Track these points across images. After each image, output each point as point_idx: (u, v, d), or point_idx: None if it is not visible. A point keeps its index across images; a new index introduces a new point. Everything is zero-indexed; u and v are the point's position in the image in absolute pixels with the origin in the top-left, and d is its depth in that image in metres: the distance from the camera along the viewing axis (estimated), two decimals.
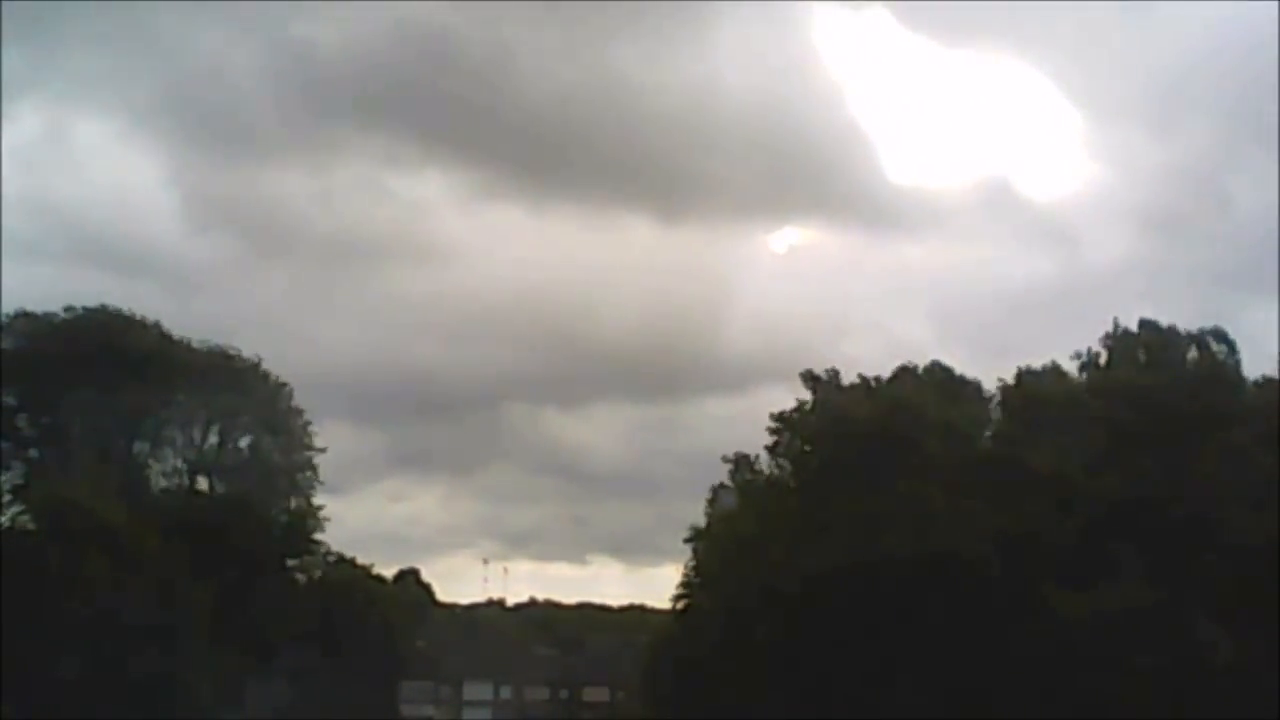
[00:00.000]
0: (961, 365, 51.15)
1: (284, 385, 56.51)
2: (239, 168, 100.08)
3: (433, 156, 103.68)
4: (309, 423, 56.63)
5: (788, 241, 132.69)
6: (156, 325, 54.82)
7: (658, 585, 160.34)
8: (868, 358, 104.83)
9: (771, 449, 50.68)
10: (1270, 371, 46.40)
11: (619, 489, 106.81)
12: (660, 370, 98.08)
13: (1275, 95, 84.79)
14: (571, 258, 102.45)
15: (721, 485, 51.74)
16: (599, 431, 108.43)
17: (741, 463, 51.36)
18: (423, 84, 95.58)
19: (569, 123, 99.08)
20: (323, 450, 56.90)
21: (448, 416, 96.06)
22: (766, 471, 51.38)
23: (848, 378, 50.94)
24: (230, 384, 53.89)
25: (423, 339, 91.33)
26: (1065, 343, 49.30)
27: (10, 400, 51.93)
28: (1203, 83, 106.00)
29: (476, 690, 73.39)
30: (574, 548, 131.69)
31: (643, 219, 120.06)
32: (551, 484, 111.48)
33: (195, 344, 55.51)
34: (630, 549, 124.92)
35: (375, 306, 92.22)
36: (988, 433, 48.80)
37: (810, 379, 50.26)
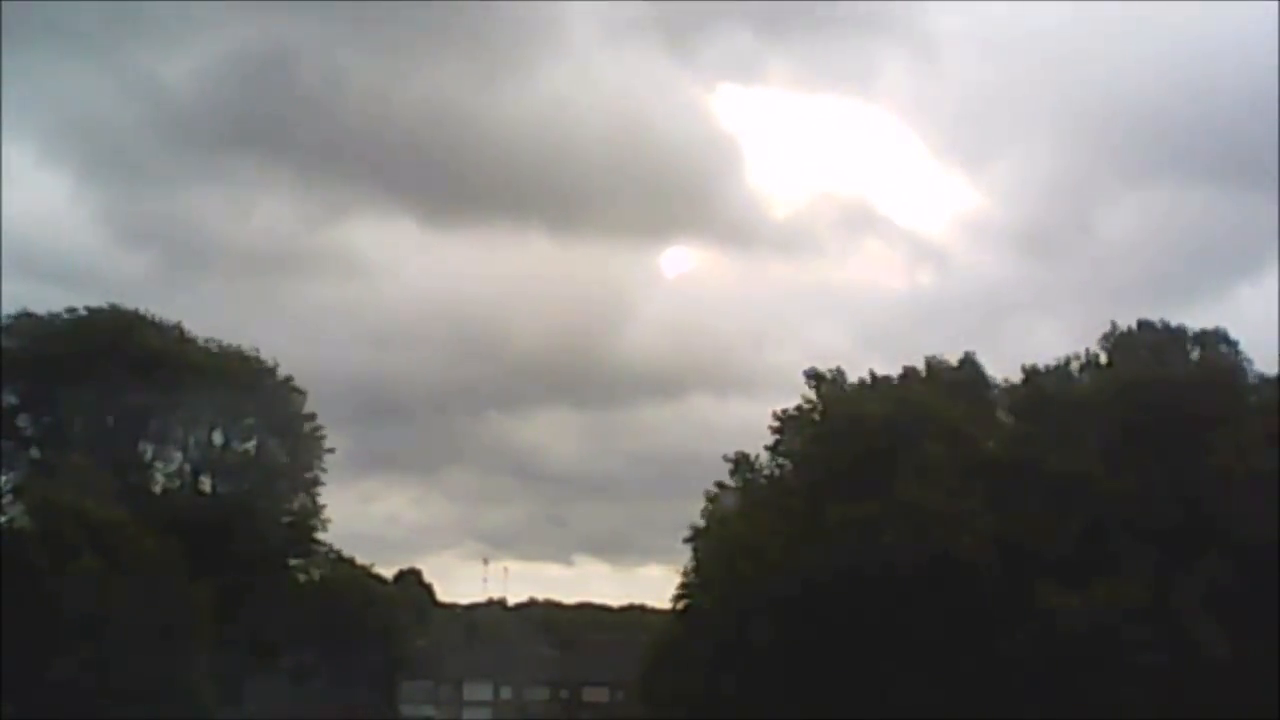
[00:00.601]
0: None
1: (295, 388, 56.56)
2: (141, 190, 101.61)
3: (310, 176, 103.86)
4: (319, 426, 56.72)
5: (677, 257, 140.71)
6: (177, 327, 55.10)
7: (644, 585, 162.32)
8: (787, 364, 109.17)
9: (773, 448, 50.74)
10: (1271, 372, 46.50)
11: (586, 490, 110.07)
12: (585, 377, 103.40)
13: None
14: (476, 272, 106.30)
15: (721, 485, 51.67)
16: (546, 435, 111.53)
17: (742, 462, 51.34)
18: (299, 108, 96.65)
19: (448, 142, 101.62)
20: (331, 451, 57.02)
21: (399, 421, 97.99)
22: (767, 471, 51.41)
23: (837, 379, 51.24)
24: (241, 385, 53.88)
25: (354, 348, 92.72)
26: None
27: (11, 400, 51.95)
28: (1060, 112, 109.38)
29: (476, 690, 73.39)
30: (558, 548, 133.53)
31: (537, 235, 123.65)
32: (518, 485, 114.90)
33: (210, 345, 55.68)
34: (613, 549, 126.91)
35: (299, 317, 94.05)
36: (992, 433, 48.73)
37: (814, 378, 50.29)
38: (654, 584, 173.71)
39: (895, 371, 51.07)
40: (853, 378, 50.98)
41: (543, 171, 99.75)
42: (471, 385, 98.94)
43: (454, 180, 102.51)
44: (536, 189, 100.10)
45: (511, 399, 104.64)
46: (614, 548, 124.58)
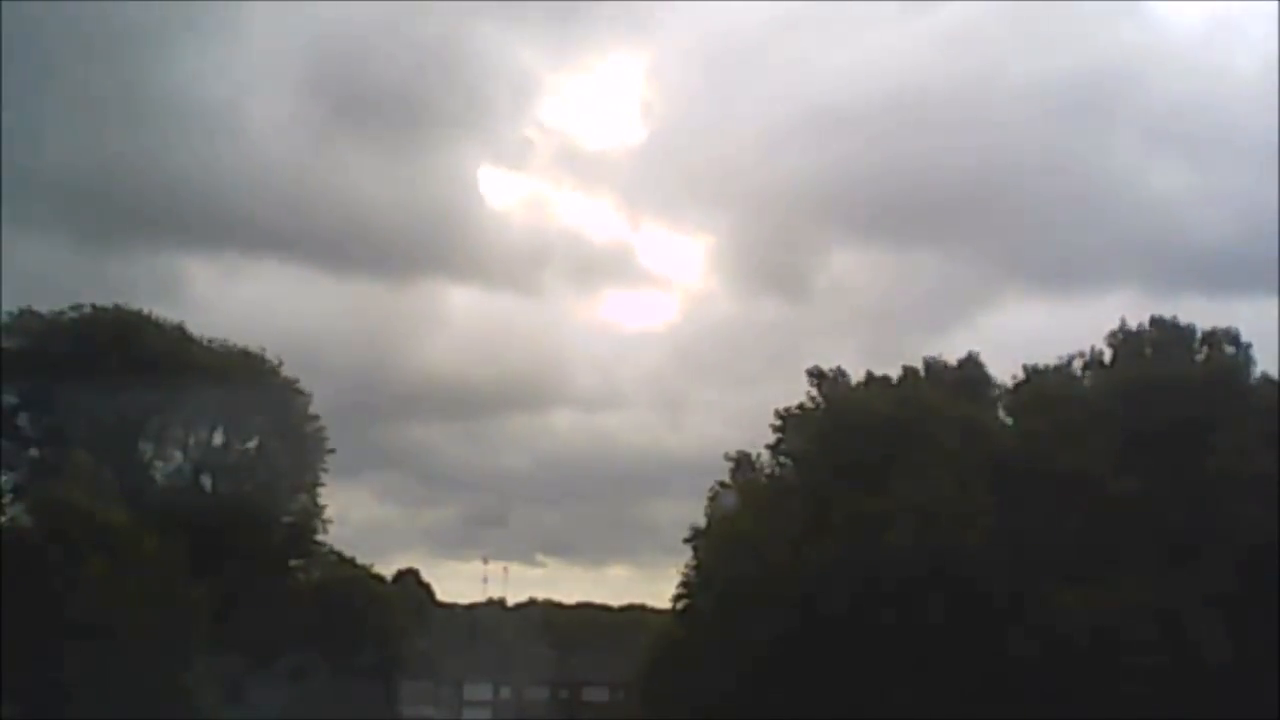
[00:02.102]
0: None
1: (298, 389, 56.57)
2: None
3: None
4: (321, 426, 56.70)
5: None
6: (179, 327, 55.13)
7: (609, 584, 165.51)
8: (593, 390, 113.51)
9: (774, 447, 50.78)
10: (1271, 372, 46.56)
11: (525, 494, 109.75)
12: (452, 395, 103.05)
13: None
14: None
15: (722, 484, 51.72)
16: (455, 442, 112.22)
17: (743, 461, 51.38)
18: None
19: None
20: (332, 452, 57.01)
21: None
22: (768, 470, 51.45)
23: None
24: (243, 385, 53.84)
25: None
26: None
27: (11, 399, 51.89)
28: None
29: (476, 690, 73.41)
30: (524, 549, 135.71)
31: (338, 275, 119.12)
32: (450, 490, 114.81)
33: (214, 345, 55.71)
34: (575, 550, 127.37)
35: None
36: (994, 432, 48.76)
37: (816, 376, 50.34)
38: (613, 583, 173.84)
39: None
40: (856, 377, 51.06)
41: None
42: (363, 400, 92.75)
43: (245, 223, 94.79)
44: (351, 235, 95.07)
45: (399, 414, 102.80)
46: (576, 548, 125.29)
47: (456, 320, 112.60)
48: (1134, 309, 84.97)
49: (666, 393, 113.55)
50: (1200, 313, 49.54)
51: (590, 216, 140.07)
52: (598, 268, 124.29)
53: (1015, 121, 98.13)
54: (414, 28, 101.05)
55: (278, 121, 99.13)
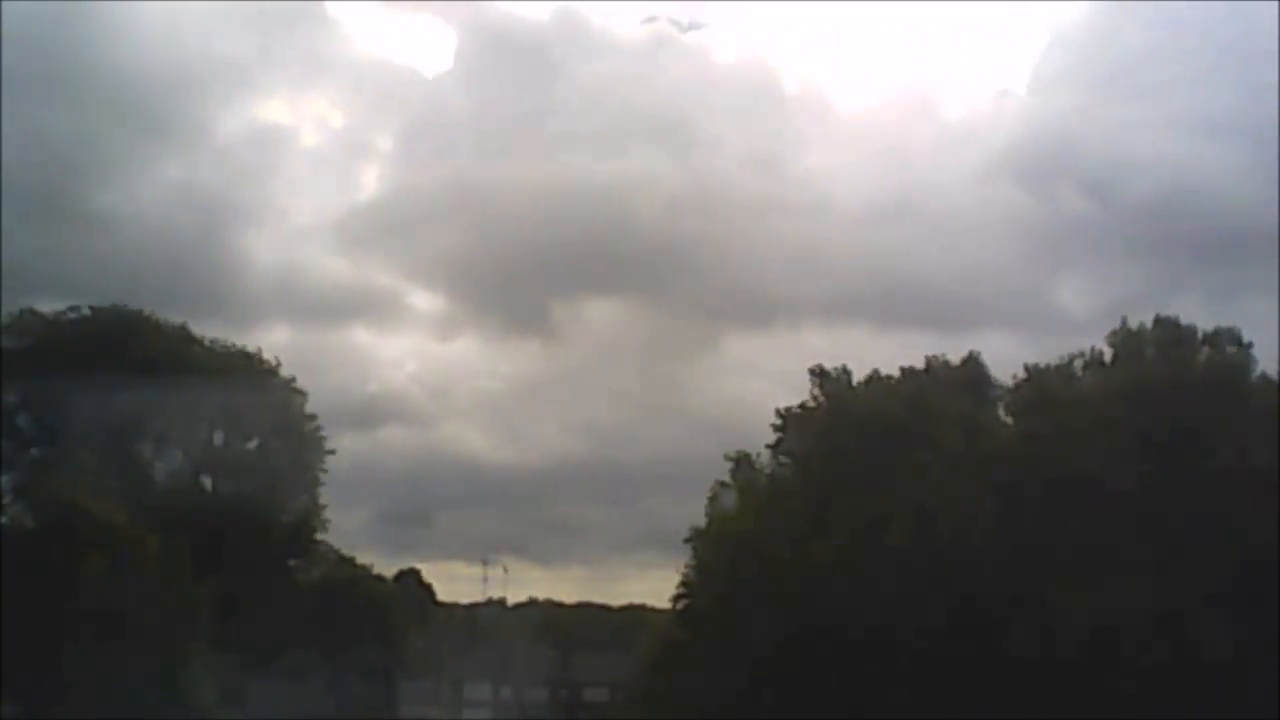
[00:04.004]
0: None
1: (297, 388, 56.72)
2: None
3: None
4: (319, 426, 56.82)
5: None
6: (182, 327, 55.19)
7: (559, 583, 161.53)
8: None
9: (774, 446, 50.79)
10: (1271, 372, 46.52)
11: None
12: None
13: None
14: None
15: (722, 484, 51.73)
16: None
17: (743, 461, 51.38)
18: None
19: None
20: (332, 452, 57.10)
21: None
22: (769, 470, 51.45)
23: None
24: (242, 385, 53.97)
25: None
26: None
27: (11, 399, 51.91)
28: None
29: (476, 690, 73.39)
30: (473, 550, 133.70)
31: None
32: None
33: (214, 346, 55.84)
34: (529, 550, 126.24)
35: None
36: (995, 431, 48.77)
37: (818, 375, 50.36)
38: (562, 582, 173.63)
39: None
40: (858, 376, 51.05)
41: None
42: None
43: None
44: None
45: None
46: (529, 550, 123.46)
47: None
48: (866, 343, 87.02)
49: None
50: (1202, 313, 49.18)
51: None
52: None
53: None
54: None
55: None
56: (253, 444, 56.70)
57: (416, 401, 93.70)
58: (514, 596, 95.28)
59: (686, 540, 51.56)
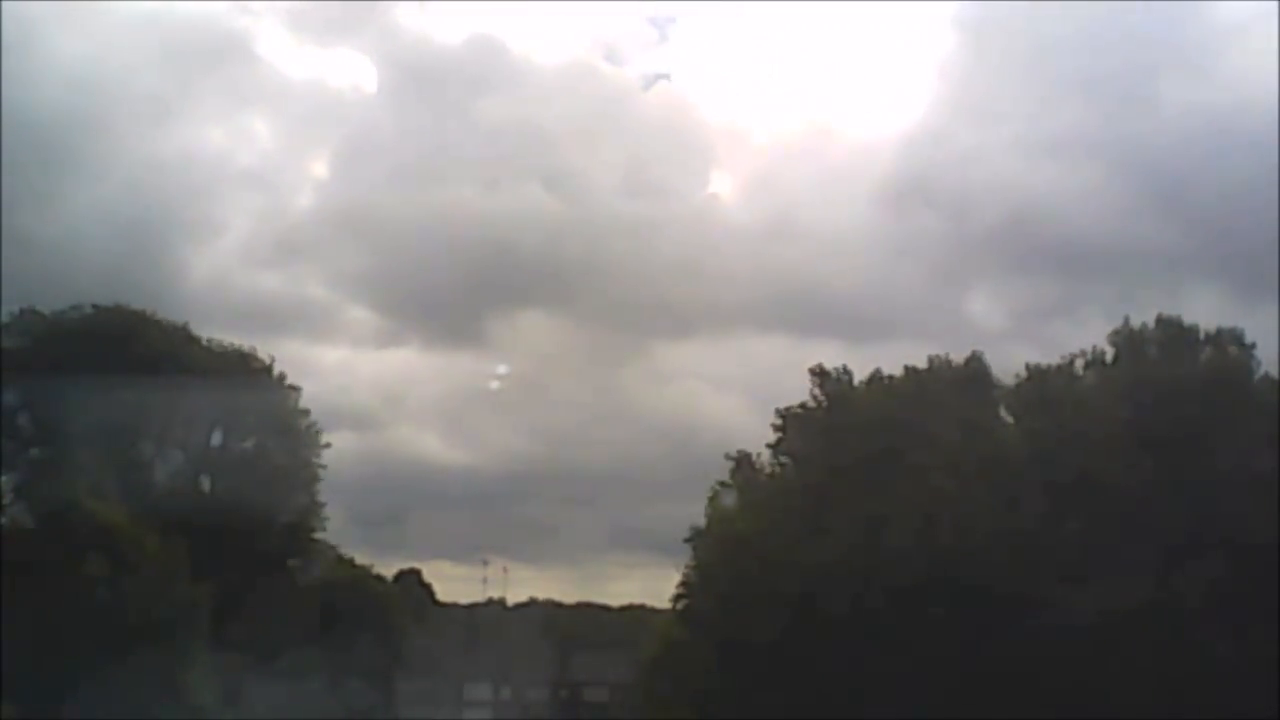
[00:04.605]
0: None
1: (291, 385, 56.83)
2: None
3: None
4: (315, 422, 56.88)
5: None
6: (184, 327, 55.26)
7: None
8: None
9: (774, 446, 50.79)
10: (1273, 372, 46.49)
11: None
12: None
13: None
14: None
15: (722, 484, 51.72)
16: None
17: (743, 461, 51.37)
18: None
19: None
20: (328, 446, 57.16)
21: None
22: (769, 470, 51.45)
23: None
24: (239, 384, 54.03)
25: None
26: None
27: (11, 399, 51.90)
28: None
29: (476, 690, 73.36)
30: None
31: None
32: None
33: (214, 345, 55.91)
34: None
35: None
36: (996, 431, 48.77)
37: (818, 375, 50.36)
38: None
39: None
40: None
41: None
42: None
43: None
44: None
45: None
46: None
47: None
48: (782, 351, 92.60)
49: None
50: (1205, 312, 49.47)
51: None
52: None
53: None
54: None
55: None
56: (250, 443, 56.73)
57: (364, 408, 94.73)
58: (514, 596, 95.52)
59: (686, 540, 51.58)
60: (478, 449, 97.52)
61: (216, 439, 56.03)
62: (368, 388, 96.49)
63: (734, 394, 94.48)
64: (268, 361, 56.99)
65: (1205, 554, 41.77)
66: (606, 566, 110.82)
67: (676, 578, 53.15)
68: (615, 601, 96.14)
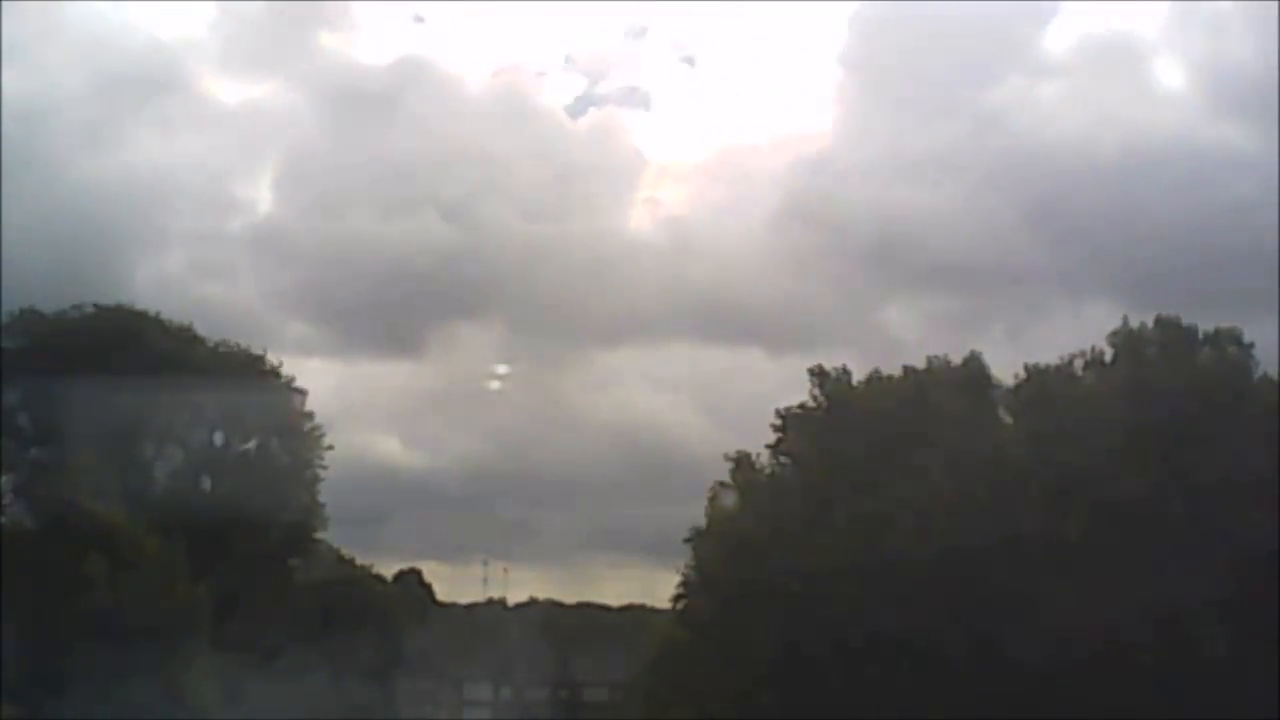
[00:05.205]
0: None
1: (296, 387, 56.86)
2: None
3: None
4: (319, 426, 56.90)
5: None
6: (188, 328, 55.31)
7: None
8: None
9: (774, 446, 50.80)
10: (1273, 373, 46.49)
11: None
12: None
13: None
14: None
15: (722, 484, 51.72)
16: None
17: (743, 461, 51.37)
18: None
19: None
20: (330, 448, 57.17)
21: None
22: (768, 470, 51.45)
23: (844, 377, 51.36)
24: (243, 385, 54.04)
25: None
26: None
27: (12, 399, 51.91)
28: None
29: (476, 690, 73.41)
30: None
31: None
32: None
33: (219, 347, 55.93)
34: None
35: None
36: (995, 431, 48.76)
37: (817, 375, 50.39)
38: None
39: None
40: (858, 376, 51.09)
41: None
42: None
43: None
44: None
45: None
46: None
47: None
48: (707, 358, 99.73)
49: None
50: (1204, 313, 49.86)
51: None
52: None
53: None
54: None
55: None
56: (252, 444, 56.74)
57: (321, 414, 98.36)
58: (514, 596, 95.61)
59: (686, 540, 51.57)
60: (436, 452, 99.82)
61: (218, 439, 56.06)
62: (317, 396, 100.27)
63: (673, 398, 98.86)
64: (275, 364, 57.03)
65: (1205, 554, 41.75)
66: (582, 567, 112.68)
67: (673, 579, 53.31)
68: (615, 601, 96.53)
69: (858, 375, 51.01)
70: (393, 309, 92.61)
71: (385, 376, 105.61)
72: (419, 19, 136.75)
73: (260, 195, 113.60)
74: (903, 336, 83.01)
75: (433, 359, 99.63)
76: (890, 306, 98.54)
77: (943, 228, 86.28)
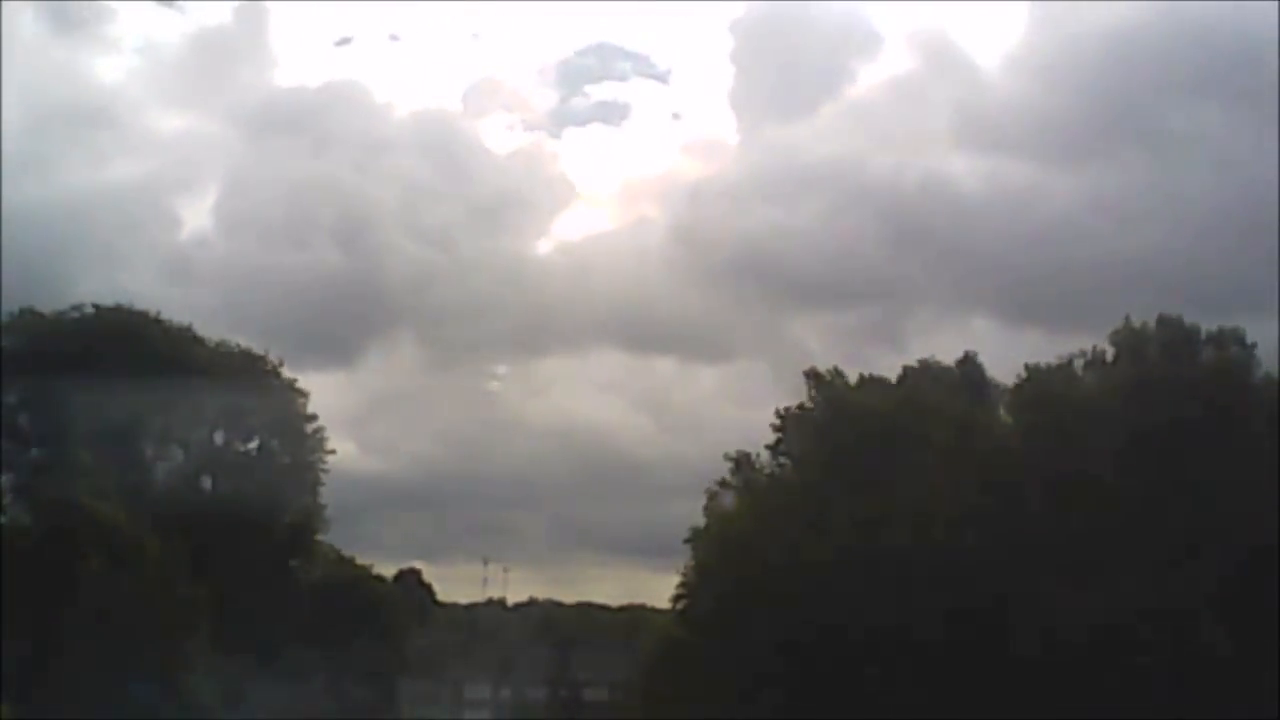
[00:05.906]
0: None
1: (298, 389, 56.83)
2: None
3: None
4: (321, 426, 56.91)
5: None
6: (188, 328, 55.31)
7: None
8: None
9: (773, 447, 50.82)
10: (1273, 372, 46.45)
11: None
12: None
13: None
14: None
15: (721, 484, 51.75)
16: None
17: (743, 461, 51.39)
18: None
19: None
20: (333, 452, 57.18)
21: None
22: (768, 470, 51.47)
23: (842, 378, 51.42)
24: (245, 384, 54.01)
25: None
26: None
27: (11, 399, 51.88)
28: None
29: (476, 690, 73.38)
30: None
31: None
32: None
33: (222, 347, 55.92)
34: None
35: None
36: (994, 431, 48.75)
37: (813, 377, 50.40)
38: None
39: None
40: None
41: None
42: None
43: None
44: None
45: None
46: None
47: None
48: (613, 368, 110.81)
49: None
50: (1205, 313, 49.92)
51: None
52: None
53: None
54: None
55: None
56: (253, 444, 56.71)
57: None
58: (514, 596, 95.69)
59: (686, 541, 51.60)
60: (388, 456, 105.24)
61: (218, 439, 56.01)
62: None
63: (611, 401, 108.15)
64: (276, 364, 56.95)
65: (1205, 554, 41.76)
66: (565, 568, 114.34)
67: (669, 580, 53.36)
68: (615, 601, 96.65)
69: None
70: (323, 323, 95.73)
71: (325, 387, 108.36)
72: (345, 40, 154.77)
73: (188, 219, 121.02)
74: (808, 348, 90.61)
75: (369, 368, 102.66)
76: (791, 320, 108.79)
77: (812, 247, 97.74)
